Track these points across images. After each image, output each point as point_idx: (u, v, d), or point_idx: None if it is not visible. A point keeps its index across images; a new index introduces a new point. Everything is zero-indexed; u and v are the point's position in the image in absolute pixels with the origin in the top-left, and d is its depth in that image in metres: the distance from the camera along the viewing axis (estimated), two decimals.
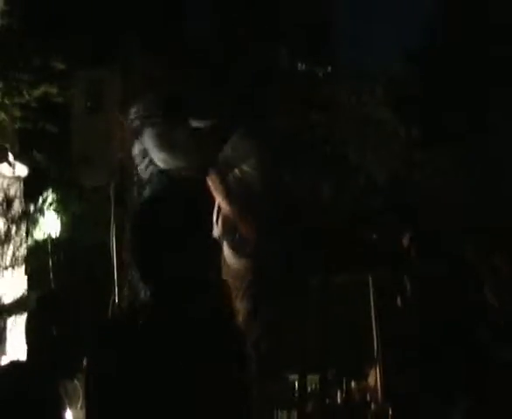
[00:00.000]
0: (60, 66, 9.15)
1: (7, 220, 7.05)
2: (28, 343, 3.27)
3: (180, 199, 2.44)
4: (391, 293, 6.29)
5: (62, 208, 9.39)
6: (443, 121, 10.56)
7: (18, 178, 8.26)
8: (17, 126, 9.12)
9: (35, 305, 3.44)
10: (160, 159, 5.53)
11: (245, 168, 5.58)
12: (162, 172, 5.52)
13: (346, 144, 9.64)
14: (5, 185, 7.58)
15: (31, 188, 8.84)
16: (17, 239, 7.29)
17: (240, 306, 5.34)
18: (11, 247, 7.14)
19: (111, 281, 7.74)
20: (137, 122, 5.75)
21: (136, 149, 5.64)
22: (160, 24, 9.47)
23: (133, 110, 5.76)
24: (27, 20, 9.41)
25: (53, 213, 9.55)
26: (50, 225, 9.44)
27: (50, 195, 9.58)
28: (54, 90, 9.13)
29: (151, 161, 5.56)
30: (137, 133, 5.69)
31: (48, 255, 8.77)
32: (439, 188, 9.57)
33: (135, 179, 5.66)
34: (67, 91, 9.11)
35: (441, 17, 12.21)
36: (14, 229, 7.08)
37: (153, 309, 2.35)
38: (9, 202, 7.11)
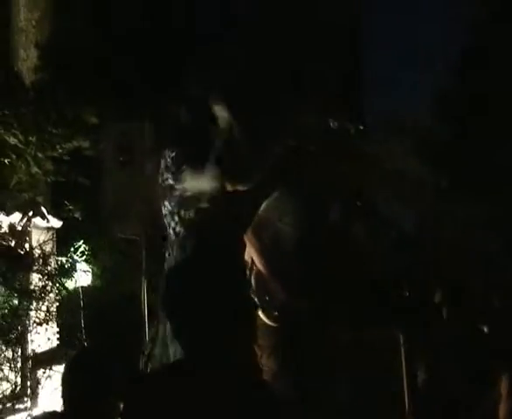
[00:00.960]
0: (93, 120, 9.32)
1: (43, 276, 7.14)
2: (63, 397, 3.39)
3: (214, 265, 2.49)
4: (422, 350, 6.28)
5: (93, 259, 9.47)
6: (474, 171, 10.52)
7: (52, 230, 8.36)
8: (49, 179, 9.29)
9: (71, 363, 3.52)
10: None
11: (281, 225, 5.64)
12: (192, 234, 5.53)
13: (376, 196, 9.65)
14: (40, 239, 7.67)
15: (64, 240, 8.96)
16: (52, 295, 7.39)
17: (267, 364, 5.36)
18: (46, 302, 7.23)
19: (141, 334, 7.80)
20: (169, 178, 5.75)
21: (167, 209, 5.67)
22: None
23: (164, 163, 5.74)
24: (60, 74, 9.61)
25: (85, 264, 9.63)
26: (81, 276, 9.53)
27: (81, 246, 9.67)
28: (86, 143, 9.29)
29: (181, 222, 5.58)
30: (169, 191, 5.70)
31: (79, 306, 8.84)
32: (469, 240, 9.55)
33: (168, 237, 5.69)
34: (99, 144, 9.29)
35: (469, 62, 12.22)
36: (50, 285, 7.18)
37: (186, 369, 2.40)
38: (45, 257, 7.21)
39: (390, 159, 10.13)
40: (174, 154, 5.61)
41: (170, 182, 5.64)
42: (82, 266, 9.61)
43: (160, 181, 5.66)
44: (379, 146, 10.25)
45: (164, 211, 5.64)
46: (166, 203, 5.60)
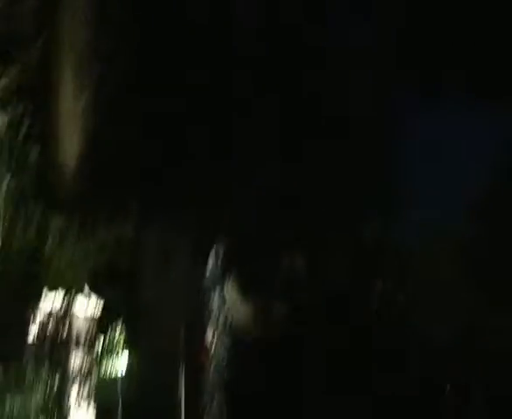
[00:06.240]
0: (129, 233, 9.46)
1: (90, 359, 7.26)
2: None
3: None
4: None
5: (130, 345, 9.49)
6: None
7: (93, 318, 8.51)
8: (90, 262, 9.42)
9: None
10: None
11: None
12: None
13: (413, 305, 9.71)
14: (82, 324, 7.84)
15: (103, 324, 9.07)
16: (94, 376, 7.51)
17: None
18: (89, 383, 7.35)
19: None
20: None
21: (215, 298, 5.78)
22: None
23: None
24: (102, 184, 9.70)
25: (122, 350, 9.65)
26: (118, 362, 9.55)
27: (119, 331, 9.71)
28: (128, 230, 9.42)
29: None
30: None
31: (116, 390, 8.89)
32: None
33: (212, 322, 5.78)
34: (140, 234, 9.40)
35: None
36: (96, 367, 7.31)
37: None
38: (91, 342, 7.36)
39: (427, 266, 10.17)
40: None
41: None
42: (119, 352, 9.63)
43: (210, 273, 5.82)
44: (416, 252, 10.29)
45: (212, 299, 5.76)
46: (215, 296, 5.74)
